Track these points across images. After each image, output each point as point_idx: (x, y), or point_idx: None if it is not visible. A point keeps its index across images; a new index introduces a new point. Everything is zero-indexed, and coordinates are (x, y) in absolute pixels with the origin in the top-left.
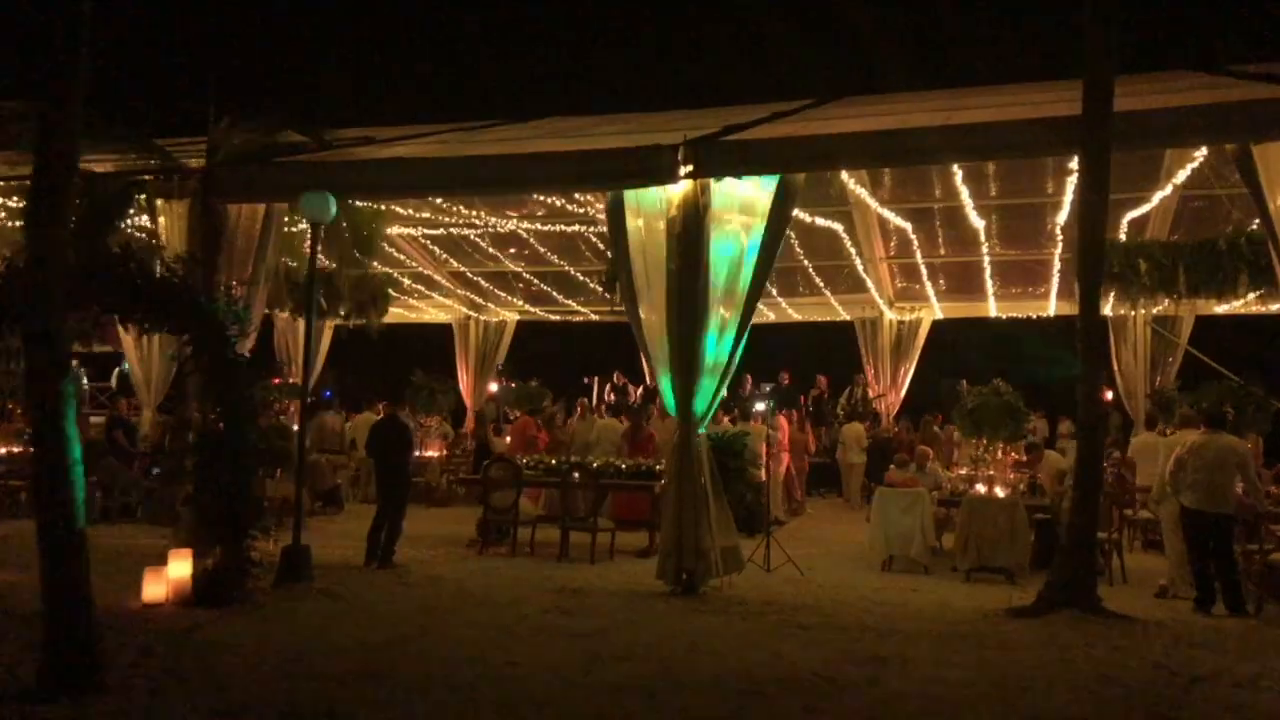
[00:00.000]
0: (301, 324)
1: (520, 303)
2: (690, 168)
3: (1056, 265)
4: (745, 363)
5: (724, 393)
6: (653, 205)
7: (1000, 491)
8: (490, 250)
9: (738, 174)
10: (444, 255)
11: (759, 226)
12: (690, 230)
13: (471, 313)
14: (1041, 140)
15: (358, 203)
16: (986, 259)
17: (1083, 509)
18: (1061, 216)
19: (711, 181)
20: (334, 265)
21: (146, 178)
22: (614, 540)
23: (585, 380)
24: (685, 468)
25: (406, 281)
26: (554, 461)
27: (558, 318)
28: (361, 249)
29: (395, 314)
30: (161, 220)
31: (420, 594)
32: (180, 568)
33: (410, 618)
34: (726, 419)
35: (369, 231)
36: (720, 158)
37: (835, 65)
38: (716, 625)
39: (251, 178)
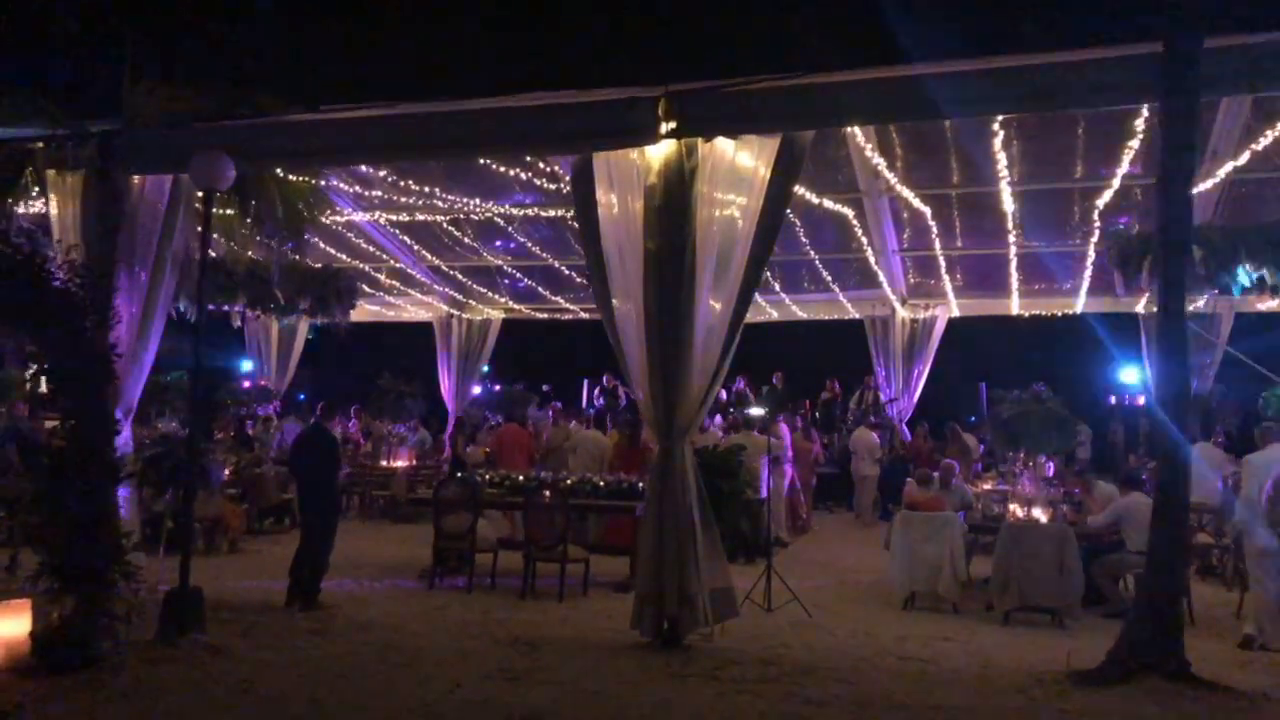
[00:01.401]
0: (275, 323)
1: (505, 300)
2: (673, 125)
3: (1090, 256)
4: (747, 364)
5: (716, 397)
6: (628, 172)
7: (1041, 515)
8: (467, 241)
9: (730, 132)
10: (417, 246)
11: (756, 200)
12: (673, 202)
13: (454, 310)
14: (1109, 83)
15: (289, 176)
16: (1013, 250)
17: (1168, 545)
18: (1105, 199)
19: (699, 143)
20: (279, 248)
21: (37, 145)
22: (588, 571)
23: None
24: (667, 492)
25: (382, 277)
26: (522, 478)
27: (545, 316)
28: (294, 229)
29: (372, 311)
30: (53, 198)
31: (336, 650)
32: (14, 624)
33: (308, 688)
34: (716, 427)
35: (306, 209)
36: (709, 112)
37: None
38: (701, 699)
39: (155, 142)
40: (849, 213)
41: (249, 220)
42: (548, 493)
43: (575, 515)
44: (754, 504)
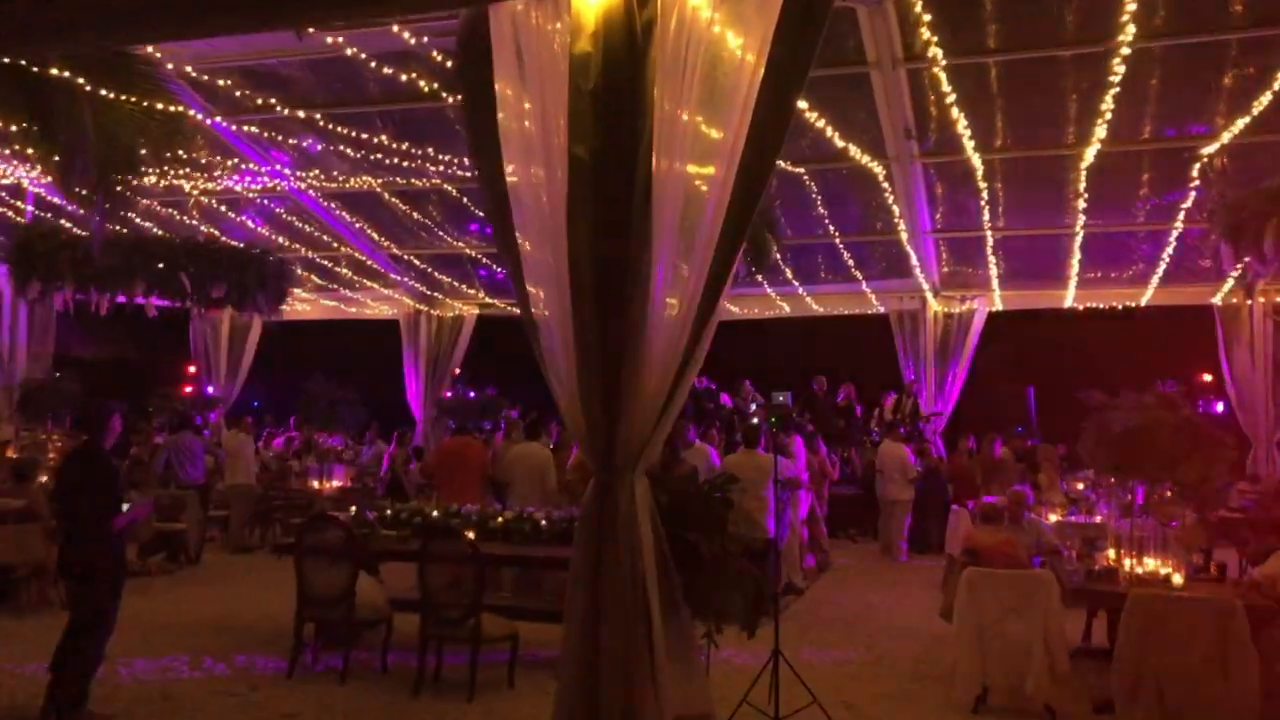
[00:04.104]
0: (227, 321)
1: (479, 294)
2: None
3: (1175, 231)
4: (744, 365)
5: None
6: (543, 39)
7: (1164, 569)
8: (417, 217)
9: None
10: (359, 224)
11: (744, 102)
12: (616, 78)
13: (421, 306)
14: None
15: (115, 95)
16: (1080, 227)
17: None
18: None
19: None
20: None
21: None
22: (516, 651)
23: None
24: (606, 558)
25: (342, 269)
26: (435, 514)
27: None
28: (124, 174)
29: (330, 307)
30: None
31: None
32: None
33: None
34: (698, 442)
35: (148, 147)
36: None
37: None
38: None
39: None
40: (879, 171)
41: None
42: (472, 534)
43: (511, 568)
44: (755, 561)
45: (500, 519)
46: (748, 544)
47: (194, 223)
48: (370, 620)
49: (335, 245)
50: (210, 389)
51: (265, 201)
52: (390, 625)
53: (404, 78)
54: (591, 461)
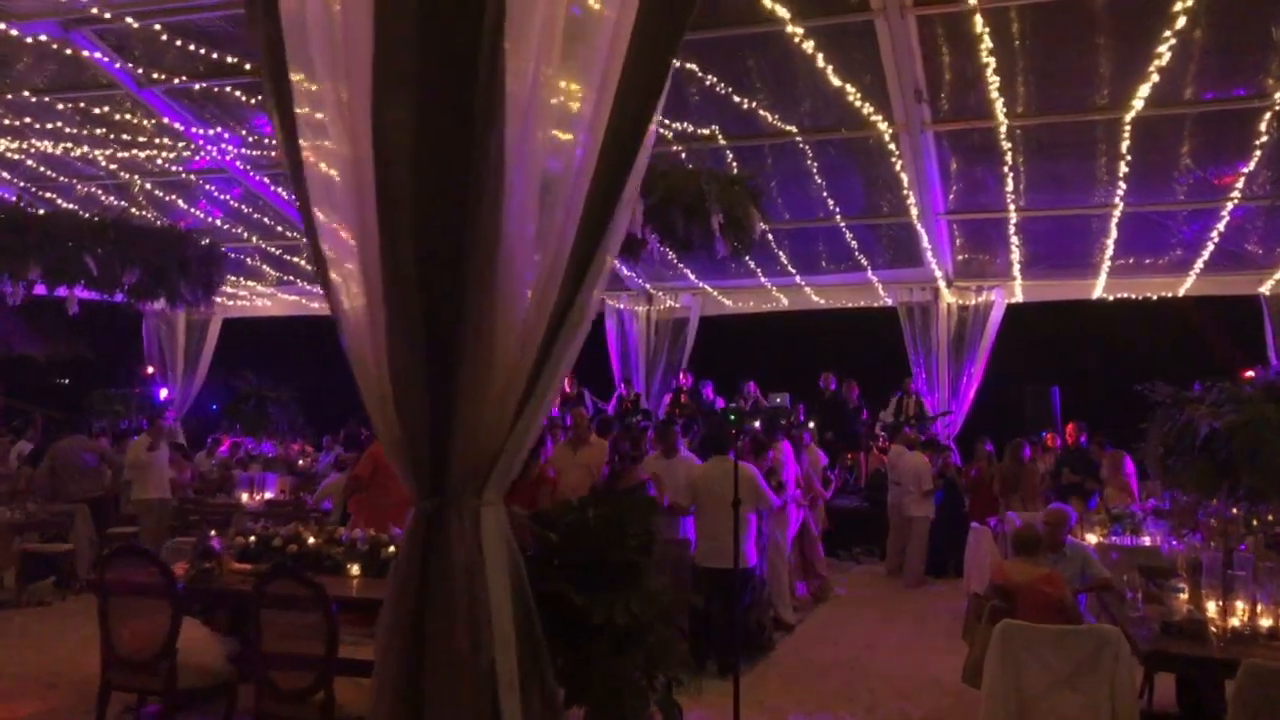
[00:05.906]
0: (183, 318)
1: None
2: None
3: (1231, 203)
4: (738, 366)
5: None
6: None
7: (1265, 621)
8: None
9: None
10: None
11: None
12: None
13: None
14: None
15: None
16: (1120, 198)
17: None
18: None
19: None
20: None
21: None
22: None
23: None
24: (433, 625)
25: (297, 258)
26: (312, 540)
27: None
28: None
29: (291, 301)
30: None
31: None
32: None
33: None
34: (684, 452)
35: None
36: None
37: None
38: None
39: None
40: (886, 133)
41: None
42: (357, 569)
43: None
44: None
45: (394, 548)
46: (673, 602)
47: (141, 212)
48: (202, 687)
49: (289, 234)
50: (165, 390)
51: (210, 187)
52: (234, 690)
53: None
54: (411, 482)
